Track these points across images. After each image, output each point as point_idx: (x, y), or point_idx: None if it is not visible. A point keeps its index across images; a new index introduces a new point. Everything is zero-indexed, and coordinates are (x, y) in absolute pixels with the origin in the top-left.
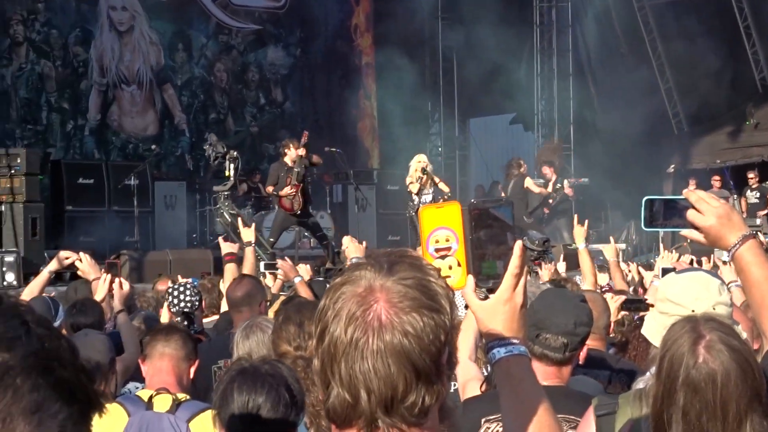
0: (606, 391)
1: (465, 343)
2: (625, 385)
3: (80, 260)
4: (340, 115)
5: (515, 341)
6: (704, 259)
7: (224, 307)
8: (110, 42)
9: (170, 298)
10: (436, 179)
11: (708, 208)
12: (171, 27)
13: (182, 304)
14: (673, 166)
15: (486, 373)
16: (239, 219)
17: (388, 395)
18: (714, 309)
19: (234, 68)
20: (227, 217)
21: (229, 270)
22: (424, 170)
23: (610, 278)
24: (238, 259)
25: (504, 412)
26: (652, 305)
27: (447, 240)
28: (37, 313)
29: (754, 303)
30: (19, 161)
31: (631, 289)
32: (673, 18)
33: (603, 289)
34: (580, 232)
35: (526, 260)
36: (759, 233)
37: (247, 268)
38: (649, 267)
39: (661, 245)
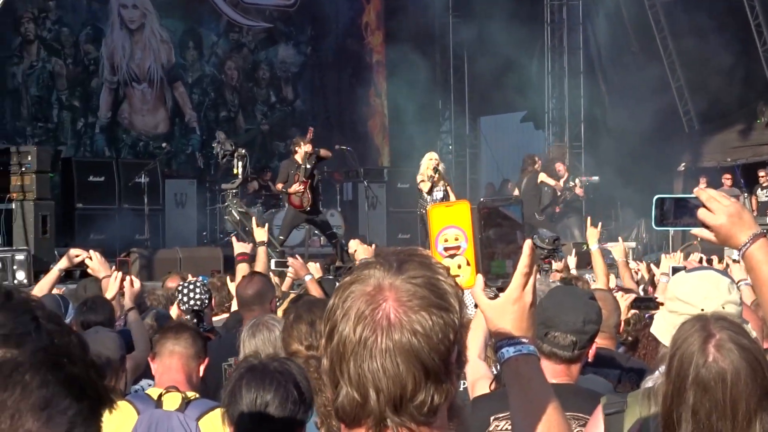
0: (615, 390)
1: (474, 342)
2: (634, 384)
3: (90, 258)
4: (350, 113)
5: (524, 340)
6: (714, 258)
7: (234, 305)
8: (121, 40)
9: (180, 296)
10: (447, 184)
11: (719, 207)
12: (182, 25)
13: (192, 302)
14: (683, 164)
15: (495, 372)
16: (253, 219)
17: (397, 394)
18: (723, 308)
19: (245, 66)
20: (236, 215)
21: (241, 270)
22: (436, 169)
23: (617, 277)
24: (251, 259)
25: (513, 411)
26: (662, 303)
27: (456, 239)
28: (47, 308)
29: (764, 301)
30: (29, 159)
31: (641, 287)
32: (684, 15)
33: (613, 290)
34: (593, 233)
35: (535, 259)
36: None
37: (259, 268)
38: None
39: (671, 243)
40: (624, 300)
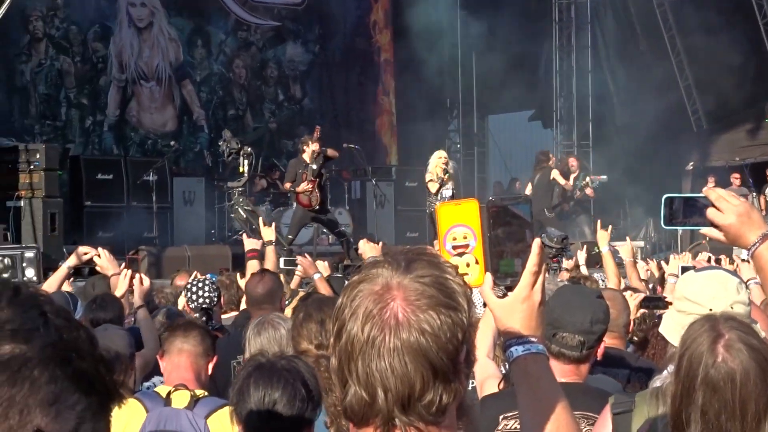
0: (625, 390)
1: (483, 341)
2: (644, 384)
3: (99, 256)
4: (358, 112)
5: (533, 339)
6: (723, 257)
7: (243, 303)
8: (129, 38)
9: (189, 294)
10: (455, 185)
11: (728, 207)
12: (190, 23)
13: (201, 300)
14: (692, 163)
15: (504, 371)
16: (260, 218)
17: (405, 394)
18: (732, 308)
19: (253, 64)
20: (242, 213)
21: (252, 267)
22: (446, 171)
23: (624, 277)
24: (260, 256)
25: (521, 410)
26: (671, 303)
27: (465, 237)
28: (56, 303)
29: None
30: (38, 157)
31: (650, 285)
32: (692, 14)
33: (622, 289)
34: (603, 236)
35: (544, 258)
36: None
37: (269, 267)
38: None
39: (679, 243)
40: (633, 299)
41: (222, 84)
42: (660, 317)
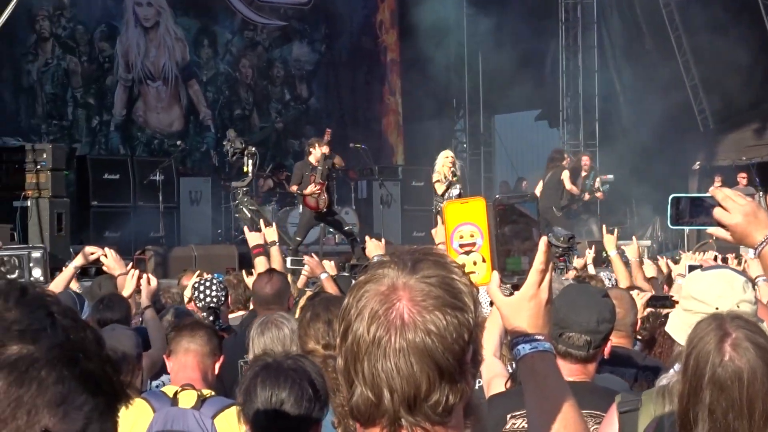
0: (632, 388)
1: (490, 340)
2: (651, 383)
3: (105, 255)
4: (365, 111)
5: (540, 338)
6: (729, 256)
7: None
8: (136, 38)
9: (196, 294)
10: (462, 186)
11: (734, 206)
12: (196, 23)
13: (208, 299)
14: (698, 162)
15: (510, 370)
16: (261, 220)
17: (411, 394)
18: (738, 306)
19: (259, 64)
20: (246, 212)
21: (261, 264)
22: (454, 173)
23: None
24: (266, 252)
25: (529, 408)
26: (678, 302)
27: (472, 236)
28: (63, 304)
29: None
30: (44, 157)
31: (659, 281)
32: (699, 13)
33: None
34: (610, 240)
35: (551, 257)
36: None
37: (276, 267)
38: (676, 263)
39: (686, 242)
40: (640, 298)
41: (228, 84)
42: (667, 316)
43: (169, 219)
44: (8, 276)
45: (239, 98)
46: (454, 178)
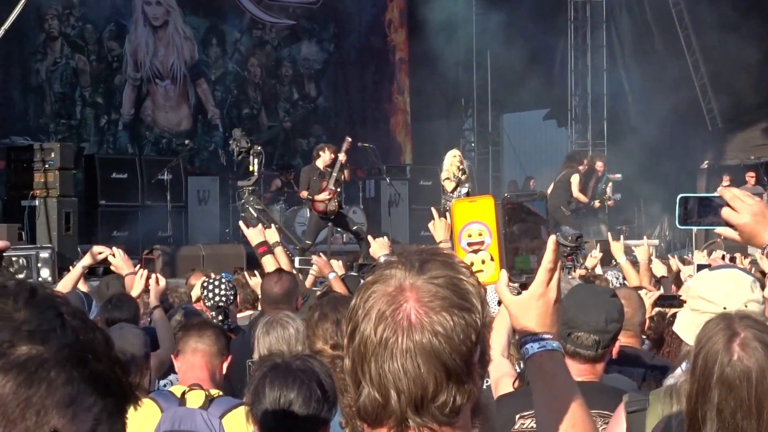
0: (640, 388)
1: (498, 340)
2: (659, 382)
3: (113, 255)
4: (373, 111)
5: (548, 336)
6: (738, 255)
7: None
8: (144, 37)
9: (205, 293)
10: (471, 185)
11: (742, 206)
12: (205, 22)
13: (217, 299)
14: (706, 161)
15: (518, 370)
16: (259, 224)
17: (418, 395)
18: (746, 306)
19: (267, 63)
20: (252, 212)
21: (269, 263)
22: (463, 170)
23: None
24: (270, 250)
25: (537, 407)
26: (686, 301)
27: (480, 234)
28: (72, 305)
29: None
30: (53, 156)
31: (669, 280)
32: (708, 12)
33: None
34: (617, 247)
35: (559, 255)
36: None
37: (283, 267)
38: (684, 262)
39: (694, 241)
40: (648, 298)
41: (237, 83)
42: (675, 316)
43: (177, 218)
44: (16, 276)
45: (247, 97)
46: (463, 176)
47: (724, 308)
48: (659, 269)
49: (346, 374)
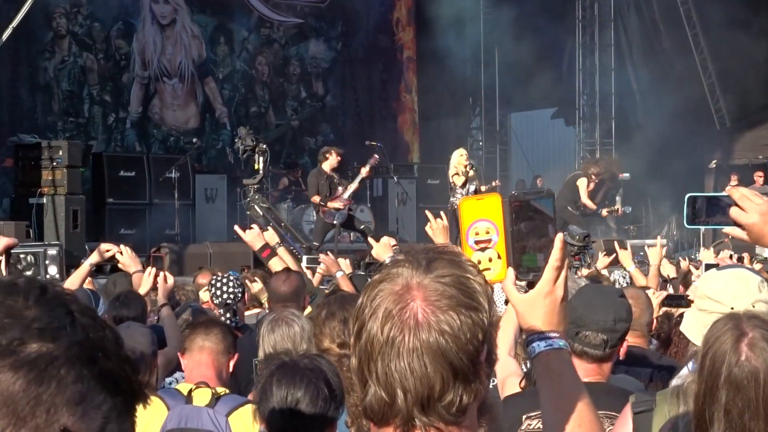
0: (647, 388)
1: (505, 339)
2: (666, 383)
3: (121, 253)
4: (380, 109)
5: (555, 335)
6: (745, 255)
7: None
8: (152, 35)
9: (213, 290)
10: (480, 184)
11: (751, 206)
12: (213, 20)
13: (225, 296)
14: (714, 161)
15: (525, 369)
16: (255, 227)
17: (425, 394)
18: (754, 306)
19: (275, 62)
20: (258, 210)
21: (276, 265)
22: (472, 166)
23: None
24: (274, 253)
25: (543, 406)
26: (693, 301)
27: (487, 232)
28: (82, 302)
29: None
30: (60, 154)
31: (678, 280)
32: (716, 11)
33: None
34: (626, 255)
35: (566, 254)
36: None
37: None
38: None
39: (701, 241)
40: (656, 297)
41: (244, 81)
42: (683, 315)
43: (185, 216)
44: (25, 273)
45: (255, 96)
46: (471, 172)
47: (732, 308)
48: (668, 270)
49: (353, 373)
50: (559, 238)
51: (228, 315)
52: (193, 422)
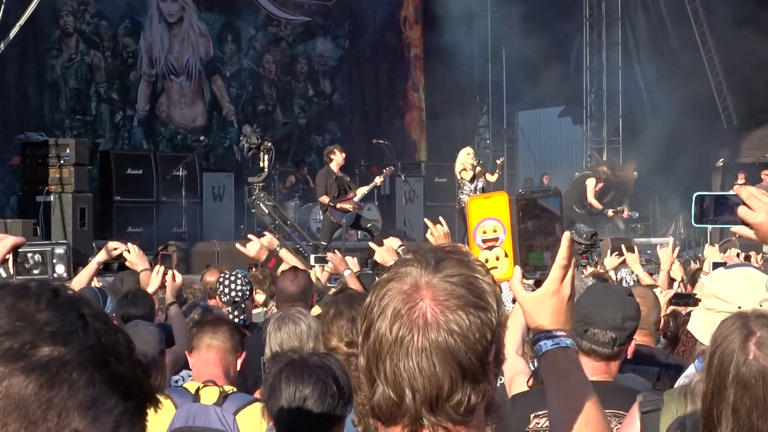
0: (654, 387)
1: (512, 338)
2: (674, 382)
3: (128, 251)
4: (388, 107)
5: (562, 334)
6: (752, 254)
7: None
8: (160, 33)
9: (221, 288)
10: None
11: (759, 205)
12: (220, 18)
13: (233, 294)
14: (722, 159)
15: (533, 368)
16: (254, 236)
17: (433, 394)
18: (761, 305)
19: (283, 60)
20: (263, 208)
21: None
22: (479, 161)
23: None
24: (279, 258)
25: (550, 405)
26: (700, 300)
27: (495, 231)
28: (94, 306)
29: None
30: (68, 151)
31: (686, 281)
32: (723, 10)
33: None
34: (633, 258)
35: (573, 252)
36: None
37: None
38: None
39: (709, 239)
40: (663, 296)
41: (252, 79)
42: (690, 314)
43: (192, 214)
44: (32, 272)
45: (262, 94)
46: (479, 168)
47: (740, 307)
48: (676, 272)
49: (361, 372)
50: (566, 236)
51: (236, 313)
52: (200, 421)
